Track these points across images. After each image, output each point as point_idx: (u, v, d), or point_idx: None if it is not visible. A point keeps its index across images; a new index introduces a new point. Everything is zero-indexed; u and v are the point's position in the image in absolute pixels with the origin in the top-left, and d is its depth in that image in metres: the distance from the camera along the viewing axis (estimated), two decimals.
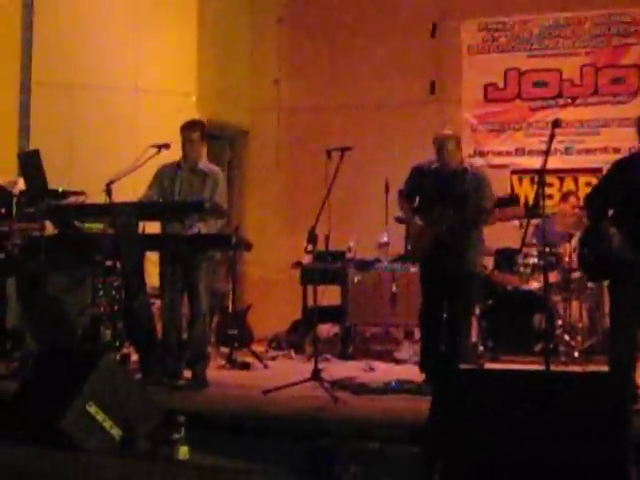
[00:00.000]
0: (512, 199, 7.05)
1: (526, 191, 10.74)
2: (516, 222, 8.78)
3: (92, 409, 5.25)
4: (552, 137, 6.27)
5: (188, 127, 7.41)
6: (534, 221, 7.94)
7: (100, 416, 5.27)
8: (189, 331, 7.37)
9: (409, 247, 7.49)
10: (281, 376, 7.37)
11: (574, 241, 8.64)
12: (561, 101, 10.88)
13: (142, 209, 7.20)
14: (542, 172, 6.31)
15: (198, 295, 7.22)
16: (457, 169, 7.21)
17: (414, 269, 8.49)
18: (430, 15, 11.22)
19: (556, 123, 6.30)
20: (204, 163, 7.49)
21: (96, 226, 7.65)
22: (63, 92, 10.01)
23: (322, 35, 11.85)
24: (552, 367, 6.59)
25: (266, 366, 8.47)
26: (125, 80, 10.33)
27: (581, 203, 9.33)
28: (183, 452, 5.02)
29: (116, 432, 5.31)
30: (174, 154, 7.37)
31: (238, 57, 11.77)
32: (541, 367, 7.04)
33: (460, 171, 7.21)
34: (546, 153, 6.22)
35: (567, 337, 8.58)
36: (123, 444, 5.30)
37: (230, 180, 11.54)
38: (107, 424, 5.28)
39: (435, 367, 7.00)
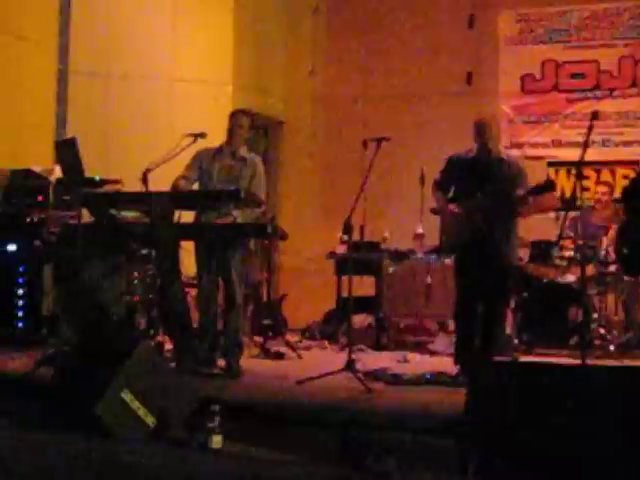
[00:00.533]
0: (547, 185, 6.98)
1: (562, 183, 10.68)
2: (552, 214, 8.75)
3: (127, 397, 5.26)
4: (590, 129, 6.22)
5: (240, 112, 7.54)
6: (571, 213, 7.88)
7: (135, 404, 5.28)
8: (224, 320, 7.40)
9: (443, 240, 7.46)
10: (315, 366, 7.38)
11: (611, 234, 8.61)
12: (599, 93, 10.80)
13: (178, 198, 7.23)
14: (580, 164, 6.26)
15: (233, 284, 7.24)
16: (493, 158, 7.14)
17: (449, 260, 8.47)
18: (467, 6, 11.17)
19: (595, 115, 6.26)
20: (244, 150, 7.51)
21: (132, 214, 7.68)
22: (99, 81, 10.08)
23: (358, 25, 11.82)
24: (587, 361, 6.54)
25: (300, 356, 8.47)
26: (161, 70, 10.38)
27: (612, 192, 9.34)
28: (217, 441, 5.02)
29: (150, 420, 5.33)
30: (209, 143, 7.39)
31: (274, 47, 11.78)
32: (576, 360, 7.00)
33: (497, 160, 7.14)
34: (584, 145, 6.18)
35: (602, 331, 8.52)
36: (157, 432, 5.32)
37: (265, 170, 11.55)
38: (142, 412, 5.30)
39: (470, 360, 6.96)
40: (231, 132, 7.41)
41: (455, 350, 7.39)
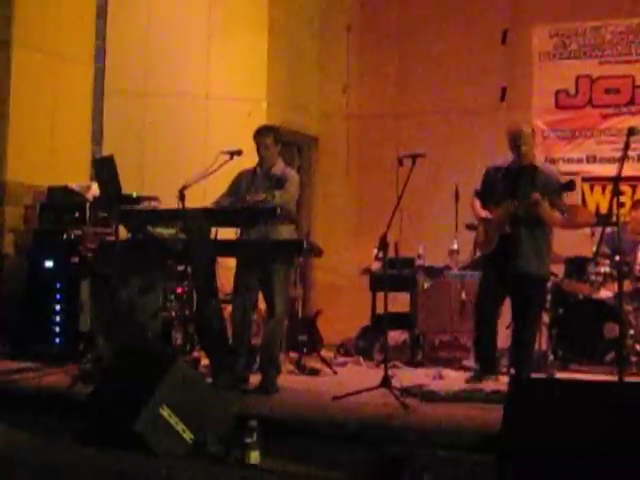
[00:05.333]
0: (568, 185, 6.96)
1: (597, 199, 10.63)
2: (587, 230, 8.74)
3: (165, 412, 5.30)
4: (628, 145, 6.21)
5: (261, 132, 7.46)
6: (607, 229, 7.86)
7: (173, 419, 5.31)
8: (262, 336, 7.44)
9: (477, 253, 7.47)
10: (350, 382, 7.39)
11: None
12: (633, 108, 10.71)
13: (214, 214, 7.27)
14: (617, 180, 6.24)
15: (274, 302, 7.25)
16: (527, 165, 7.16)
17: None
18: (501, 21, 11.14)
19: (632, 131, 6.24)
20: (279, 167, 7.50)
21: (168, 231, 7.73)
22: (135, 99, 10.17)
23: (391, 42, 11.85)
24: (624, 377, 6.50)
25: (335, 372, 8.46)
26: (196, 87, 10.45)
27: None
28: (255, 456, 5.04)
29: (188, 436, 5.36)
30: (245, 160, 7.43)
31: (308, 64, 11.81)
32: (612, 377, 6.97)
33: (530, 167, 7.17)
34: (621, 161, 6.16)
35: (639, 347, 8.46)
36: (195, 448, 5.35)
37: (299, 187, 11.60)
38: (179, 427, 5.33)
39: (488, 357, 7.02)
40: (258, 154, 7.44)
41: (475, 348, 7.42)
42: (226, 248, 7.41)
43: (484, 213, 7.24)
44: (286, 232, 7.30)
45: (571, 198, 9.03)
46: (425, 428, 5.85)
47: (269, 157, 7.42)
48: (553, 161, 10.85)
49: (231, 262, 7.51)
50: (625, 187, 10.24)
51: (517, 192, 7.04)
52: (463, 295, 9.01)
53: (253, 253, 7.21)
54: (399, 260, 9.39)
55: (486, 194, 7.34)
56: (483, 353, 7.41)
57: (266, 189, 7.30)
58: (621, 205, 7.16)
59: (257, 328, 7.93)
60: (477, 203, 7.39)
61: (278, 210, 6.93)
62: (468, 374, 7.95)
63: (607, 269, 8.65)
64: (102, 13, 10.12)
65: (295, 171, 7.76)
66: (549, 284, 8.16)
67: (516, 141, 7.13)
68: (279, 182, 7.36)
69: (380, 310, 8.45)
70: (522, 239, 6.98)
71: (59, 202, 8.81)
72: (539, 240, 7.09)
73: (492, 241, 7.08)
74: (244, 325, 7.35)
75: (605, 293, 8.68)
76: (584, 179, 10.76)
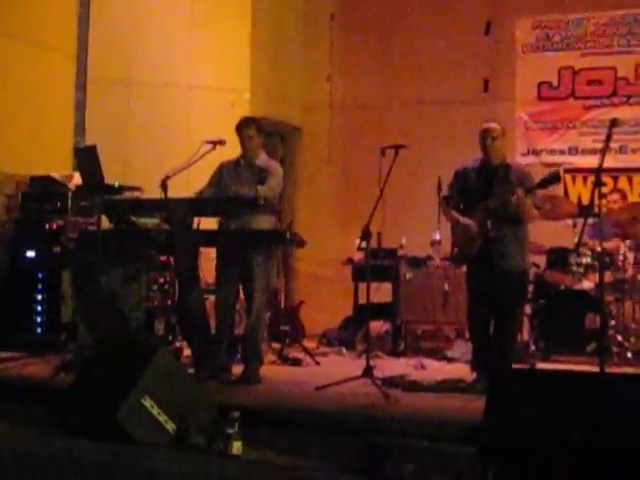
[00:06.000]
0: (553, 177, 6.94)
1: (579, 190, 10.65)
2: (569, 221, 8.76)
3: (147, 403, 5.30)
4: (609, 136, 6.22)
5: (243, 124, 7.46)
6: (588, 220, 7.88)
7: (155, 410, 5.32)
8: (244, 327, 7.43)
9: (455, 250, 7.45)
10: (332, 373, 7.39)
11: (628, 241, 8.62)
12: (616, 100, 10.73)
13: (196, 204, 7.25)
14: (599, 171, 6.25)
15: (254, 293, 7.25)
16: (500, 165, 7.14)
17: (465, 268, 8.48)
18: (484, 13, 11.15)
19: (614, 122, 6.25)
20: (262, 159, 7.51)
21: (151, 221, 7.72)
22: (118, 89, 10.15)
23: (374, 32, 11.84)
24: (605, 368, 6.53)
25: (317, 362, 8.48)
26: (179, 77, 10.42)
27: (625, 199, 9.34)
28: (237, 447, 5.05)
29: (170, 426, 5.37)
30: (228, 150, 7.42)
31: (291, 54, 11.80)
32: (593, 368, 7.00)
33: (502, 166, 7.14)
34: (603, 152, 6.17)
35: (620, 338, 8.51)
36: (177, 438, 5.36)
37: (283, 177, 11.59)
38: (162, 418, 5.34)
39: (487, 366, 6.96)
40: (242, 145, 7.44)
41: (472, 357, 7.38)
42: (209, 238, 7.39)
43: (465, 220, 7.18)
44: (267, 223, 7.30)
45: (553, 189, 9.08)
46: (407, 418, 5.87)
47: (252, 148, 7.43)
48: (536, 152, 10.91)
49: (213, 253, 7.50)
50: (606, 178, 10.26)
51: (492, 192, 7.02)
52: (445, 286, 9.02)
53: (235, 243, 7.21)
54: (382, 250, 9.41)
55: (457, 197, 7.29)
56: (481, 363, 7.29)
57: (250, 181, 7.30)
58: (602, 196, 7.17)
59: (239, 318, 7.91)
60: (450, 211, 7.32)
61: (261, 201, 6.93)
62: (449, 365, 7.94)
63: (589, 260, 8.68)
64: (85, 2, 10.08)
65: (278, 163, 7.75)
66: (531, 275, 8.17)
67: (485, 137, 7.11)
68: (263, 174, 7.35)
69: (362, 300, 8.47)
70: (504, 239, 6.96)
71: (41, 191, 8.78)
72: (519, 237, 7.09)
73: (474, 243, 7.06)
74: (227, 315, 7.36)
75: (587, 284, 8.72)
76: (566, 170, 10.76)
